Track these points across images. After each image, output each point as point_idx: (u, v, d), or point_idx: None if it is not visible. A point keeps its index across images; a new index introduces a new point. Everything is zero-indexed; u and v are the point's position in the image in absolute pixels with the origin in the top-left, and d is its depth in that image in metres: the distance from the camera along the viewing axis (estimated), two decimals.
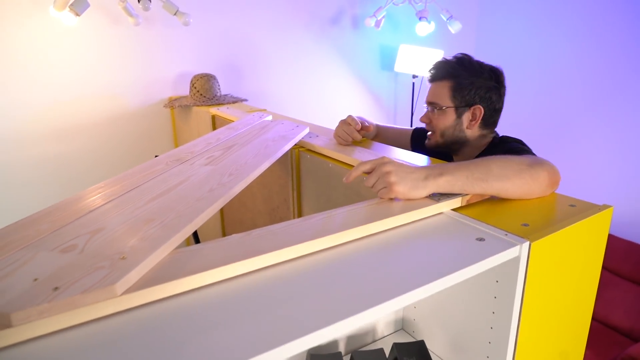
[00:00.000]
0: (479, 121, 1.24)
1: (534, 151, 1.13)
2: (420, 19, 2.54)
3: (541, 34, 3.06)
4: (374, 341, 0.91)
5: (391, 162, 0.79)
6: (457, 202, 0.77)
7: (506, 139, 1.26)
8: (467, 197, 0.78)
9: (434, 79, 1.29)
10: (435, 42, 3.06)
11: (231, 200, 0.85)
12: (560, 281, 0.75)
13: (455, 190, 0.77)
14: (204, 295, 0.52)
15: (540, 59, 3.08)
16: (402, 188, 0.75)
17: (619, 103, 2.73)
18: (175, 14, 1.86)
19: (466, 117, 1.25)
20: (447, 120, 1.26)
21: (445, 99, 1.25)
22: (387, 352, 0.81)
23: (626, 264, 2.72)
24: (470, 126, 1.26)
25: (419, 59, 2.74)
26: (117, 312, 0.48)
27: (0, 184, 1.86)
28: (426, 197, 0.77)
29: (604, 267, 2.80)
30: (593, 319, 2.74)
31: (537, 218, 0.73)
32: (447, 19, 2.63)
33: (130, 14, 1.84)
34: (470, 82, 1.23)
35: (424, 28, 2.57)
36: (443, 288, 0.56)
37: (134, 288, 0.49)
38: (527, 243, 0.64)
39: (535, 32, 3.09)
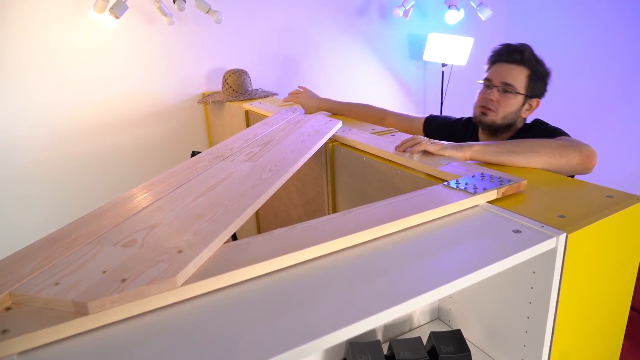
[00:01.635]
0: (532, 111, 1.31)
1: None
2: (449, 7, 2.51)
3: (573, 19, 2.97)
4: (411, 330, 0.93)
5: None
6: (492, 195, 0.79)
7: (540, 122, 1.31)
8: (503, 189, 0.80)
9: (512, 60, 1.28)
10: (465, 30, 3.01)
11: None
12: (598, 272, 0.75)
13: (486, 158, 0.95)
14: (255, 286, 0.56)
15: (573, 45, 2.99)
16: (433, 147, 0.98)
17: None
18: (207, 12, 1.90)
19: (525, 106, 1.31)
20: (515, 104, 1.29)
21: (521, 84, 1.28)
22: (424, 341, 0.83)
23: None
24: (523, 115, 1.32)
25: (448, 48, 2.71)
26: (177, 301, 0.52)
27: (49, 179, 1.97)
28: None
29: None
30: (632, 309, 2.67)
31: (574, 209, 0.74)
32: (477, 6, 2.58)
33: (165, 14, 1.90)
34: (542, 75, 1.29)
35: (454, 16, 2.54)
36: (481, 279, 0.58)
37: (191, 280, 0.53)
38: (564, 235, 0.65)
39: (567, 17, 3.00)
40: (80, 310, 0.47)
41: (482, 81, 1.37)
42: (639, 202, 0.76)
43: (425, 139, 1.04)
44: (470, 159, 0.99)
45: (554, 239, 0.65)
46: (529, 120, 1.36)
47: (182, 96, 2.20)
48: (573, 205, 0.76)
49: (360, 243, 0.66)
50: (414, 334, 0.91)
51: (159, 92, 2.13)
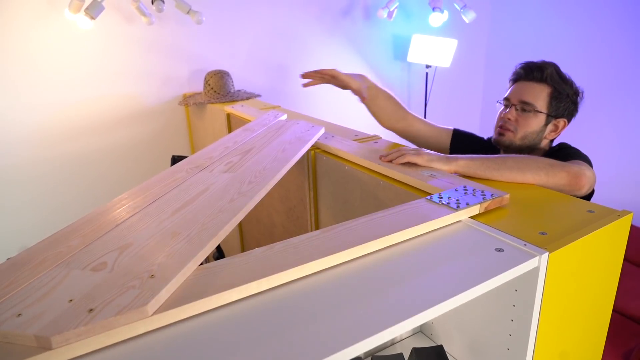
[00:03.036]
0: (559, 133, 1.25)
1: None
2: (434, 9, 2.51)
3: (556, 22, 3.00)
4: (393, 344, 0.92)
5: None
6: (475, 210, 0.78)
7: (565, 146, 1.25)
8: (486, 204, 0.79)
9: (532, 78, 1.24)
10: (449, 32, 3.02)
11: None
12: (579, 289, 0.75)
13: (471, 173, 0.94)
14: (231, 312, 0.54)
15: (556, 48, 3.02)
16: (420, 159, 0.97)
17: (639, 91, 2.68)
18: (187, 13, 1.86)
19: (550, 126, 1.24)
20: (536, 124, 1.23)
21: (542, 103, 1.22)
22: (406, 356, 0.82)
23: None
24: (549, 136, 1.25)
25: (432, 49, 2.71)
26: (149, 331, 0.50)
27: (16, 184, 1.91)
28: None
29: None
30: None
31: (556, 225, 0.74)
32: (461, 8, 2.59)
33: (144, 14, 1.85)
34: (566, 94, 1.23)
35: (438, 18, 2.54)
36: (464, 302, 0.57)
37: (163, 307, 0.51)
38: (546, 254, 0.65)
39: (550, 20, 3.03)
40: (43, 344, 0.45)
41: (501, 101, 1.32)
42: (619, 218, 0.76)
43: (411, 149, 1.02)
44: (456, 172, 0.98)
45: (536, 258, 0.64)
46: (555, 143, 1.30)
47: (163, 97, 2.16)
48: (554, 220, 0.75)
49: (341, 263, 0.64)
50: (396, 349, 0.90)
51: (139, 93, 2.08)
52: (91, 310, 0.48)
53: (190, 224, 0.69)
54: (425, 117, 3.00)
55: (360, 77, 1.36)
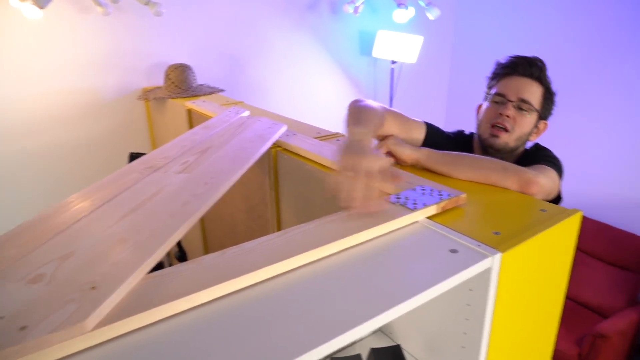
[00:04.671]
0: (539, 135, 1.20)
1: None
2: (398, 5, 2.52)
3: (520, 18, 3.07)
4: (352, 344, 0.92)
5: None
6: (432, 210, 0.78)
7: (540, 148, 1.21)
8: (442, 204, 0.79)
9: (529, 74, 1.14)
10: (414, 28, 3.04)
11: None
12: (531, 286, 0.77)
13: (429, 163, 0.96)
14: (179, 322, 0.52)
15: (520, 44, 3.10)
16: (392, 141, 1.00)
17: (592, 90, 2.78)
18: (146, 4, 1.79)
19: (534, 129, 1.19)
20: (530, 125, 1.16)
21: (537, 102, 1.15)
22: (364, 356, 0.82)
23: (597, 243, 2.82)
24: (532, 138, 1.20)
25: (398, 45, 2.72)
26: (89, 347, 0.48)
27: None
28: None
29: (576, 247, 2.90)
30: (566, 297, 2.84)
31: (509, 225, 0.75)
32: (426, 5, 2.61)
33: (99, 4, 1.77)
34: (551, 95, 1.18)
35: (403, 14, 2.55)
36: (418, 305, 0.57)
37: (105, 321, 0.49)
38: (499, 255, 0.66)
39: (513, 17, 3.10)
40: None
41: (491, 96, 1.19)
42: (570, 217, 0.78)
43: (392, 141, 1.02)
44: (417, 161, 0.99)
45: (489, 258, 0.65)
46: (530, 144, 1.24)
47: (121, 91, 2.08)
48: (509, 220, 0.77)
49: (296, 268, 0.63)
50: (355, 349, 0.90)
51: (95, 87, 2.00)
52: (23, 327, 0.45)
53: (140, 230, 0.66)
54: None
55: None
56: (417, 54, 2.72)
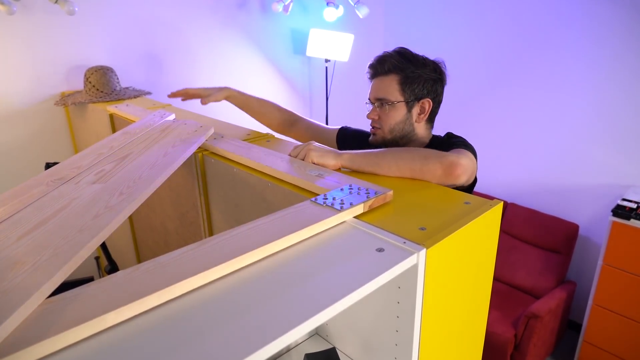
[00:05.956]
0: (427, 114, 1.25)
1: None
2: (327, 4, 2.52)
3: (449, 16, 3.18)
4: (289, 350, 0.90)
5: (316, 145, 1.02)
6: (359, 209, 0.77)
7: (451, 136, 1.25)
8: (370, 202, 0.79)
9: (378, 73, 1.25)
10: (345, 27, 3.07)
11: (139, 206, 0.79)
12: (458, 278, 0.78)
13: (354, 167, 0.97)
14: (82, 350, 0.47)
15: (448, 41, 3.21)
16: (315, 154, 0.98)
17: (518, 84, 2.94)
18: (56, 2, 1.66)
19: (415, 110, 1.24)
20: (398, 115, 1.23)
21: (395, 93, 1.22)
22: None
23: (528, 229, 2.98)
24: (418, 120, 1.25)
25: (330, 44, 2.73)
26: None
27: None
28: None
29: (508, 233, 3.06)
30: (499, 281, 2.99)
31: (435, 219, 0.76)
32: (355, 4, 2.63)
33: (2, 2, 1.62)
34: (418, 74, 1.22)
35: (332, 13, 2.56)
36: (347, 306, 0.56)
37: None
38: (424, 250, 0.66)
39: (442, 14, 3.21)
40: None
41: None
42: (492, 208, 0.80)
43: (313, 146, 1.01)
44: (343, 167, 0.98)
45: (415, 255, 0.65)
46: (441, 131, 1.31)
47: (37, 97, 1.92)
48: (434, 215, 0.78)
49: (217, 279, 0.59)
50: (291, 355, 0.88)
51: (4, 94, 1.83)
52: None
53: (40, 250, 0.60)
54: (327, 111, 3.03)
55: (221, 88, 1.40)
56: (349, 52, 2.75)
